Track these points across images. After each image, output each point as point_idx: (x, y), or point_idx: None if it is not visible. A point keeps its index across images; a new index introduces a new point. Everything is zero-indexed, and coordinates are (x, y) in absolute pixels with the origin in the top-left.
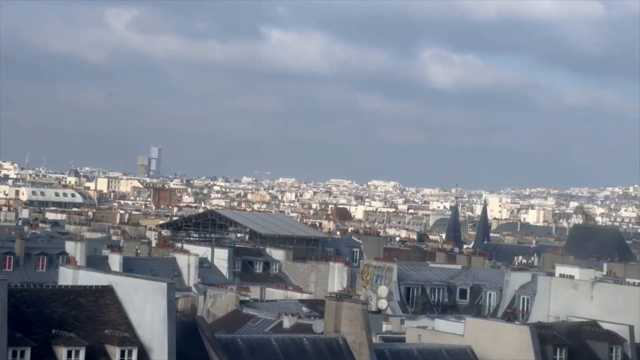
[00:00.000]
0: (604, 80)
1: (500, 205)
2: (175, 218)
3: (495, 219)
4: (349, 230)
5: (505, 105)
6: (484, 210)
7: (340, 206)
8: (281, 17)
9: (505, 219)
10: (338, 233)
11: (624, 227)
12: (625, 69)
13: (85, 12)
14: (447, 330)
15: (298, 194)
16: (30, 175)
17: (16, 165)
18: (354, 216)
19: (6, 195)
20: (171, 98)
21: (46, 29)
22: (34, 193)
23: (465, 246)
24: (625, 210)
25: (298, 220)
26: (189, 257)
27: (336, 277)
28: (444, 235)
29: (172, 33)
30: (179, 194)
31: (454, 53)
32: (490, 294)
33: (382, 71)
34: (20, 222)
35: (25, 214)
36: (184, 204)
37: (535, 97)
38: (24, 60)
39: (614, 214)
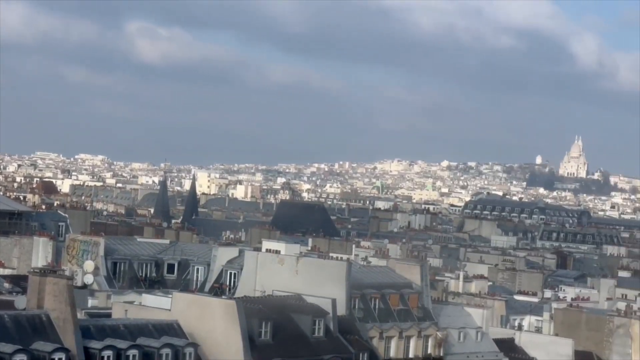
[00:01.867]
0: (306, 58)
1: (209, 181)
2: None
3: (204, 194)
4: (55, 204)
5: (213, 81)
6: (193, 186)
7: (46, 179)
8: None
9: (214, 194)
10: (43, 207)
11: (329, 202)
12: (327, 49)
13: None
14: (154, 305)
15: (1, 167)
16: None
17: None
18: (60, 190)
19: None
20: None
21: None
22: None
23: (173, 221)
24: (331, 187)
25: (1, 193)
26: None
27: (40, 251)
28: (152, 210)
29: None
30: None
31: (161, 27)
32: (197, 269)
33: (88, 43)
34: None
35: None
36: None
37: (242, 74)
38: None
39: (319, 190)
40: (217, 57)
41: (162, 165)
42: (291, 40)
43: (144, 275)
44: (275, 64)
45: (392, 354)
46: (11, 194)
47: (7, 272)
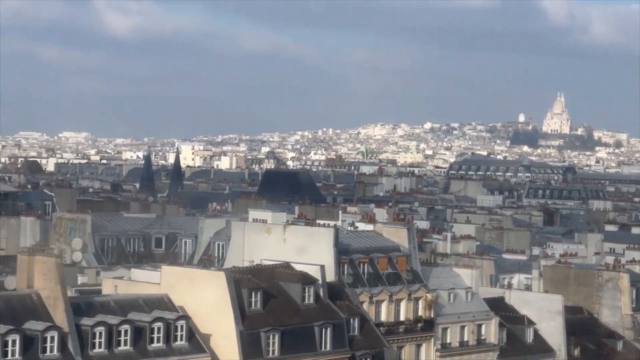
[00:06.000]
0: (276, 26)
1: (193, 153)
2: None
3: (188, 166)
4: (41, 184)
5: (186, 52)
6: (177, 159)
7: (31, 159)
8: None
9: (199, 167)
10: (29, 187)
11: (314, 170)
12: (296, 16)
13: None
14: (143, 279)
15: None
16: None
17: None
18: (45, 169)
19: None
20: None
21: None
22: None
23: (159, 195)
24: (315, 154)
25: None
26: None
27: (28, 231)
28: (138, 185)
29: None
30: None
31: (131, 0)
32: (185, 242)
33: (59, 20)
34: None
35: None
36: None
37: (215, 44)
38: None
39: (304, 158)
40: (188, 29)
41: (146, 139)
42: (261, 8)
43: (132, 250)
44: (247, 33)
45: (382, 317)
46: None
47: None
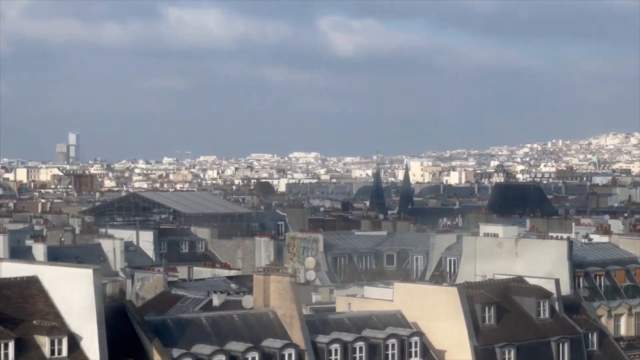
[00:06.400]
0: (503, 39)
1: (422, 169)
2: (97, 203)
3: (418, 182)
4: (273, 204)
5: (411, 69)
6: (406, 175)
7: (263, 180)
8: None
9: (428, 182)
10: (262, 207)
11: (545, 182)
12: (518, 27)
13: None
14: (376, 296)
15: (220, 171)
16: None
17: None
18: (277, 189)
19: None
20: (75, 83)
21: None
22: None
23: (389, 212)
24: (545, 166)
25: (221, 197)
26: (114, 241)
27: (263, 251)
28: (368, 203)
29: (66, 17)
30: (100, 179)
31: (354, 19)
32: (417, 258)
33: (284, 43)
34: None
35: None
36: (105, 189)
37: (438, 60)
38: None
39: (534, 170)
40: (412, 46)
41: (375, 157)
42: (482, 22)
43: (364, 267)
44: (470, 48)
45: (622, 332)
46: (231, 197)
47: (232, 273)
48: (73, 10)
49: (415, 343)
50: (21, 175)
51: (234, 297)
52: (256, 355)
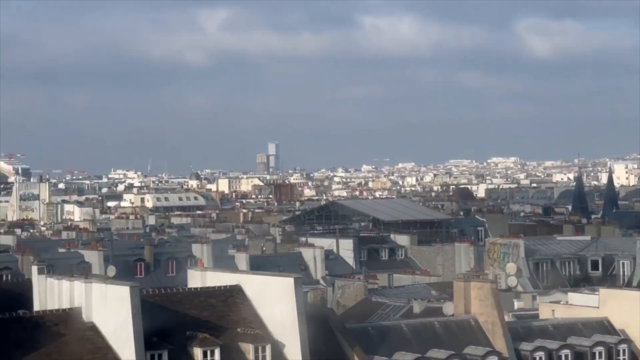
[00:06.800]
0: None
1: (626, 172)
2: (297, 212)
3: (622, 186)
4: (472, 210)
5: (611, 70)
6: (610, 178)
7: (462, 186)
8: (371, 2)
9: (634, 186)
10: (461, 213)
11: None
12: None
13: (178, 17)
14: (580, 303)
15: (418, 178)
16: (153, 182)
17: (139, 173)
18: (476, 195)
19: (132, 203)
20: (273, 93)
21: (142, 38)
22: (158, 199)
23: (593, 216)
24: None
25: (420, 204)
26: (315, 250)
27: (463, 257)
28: (570, 207)
29: (263, 29)
30: (299, 188)
31: (552, 21)
32: (623, 263)
33: (480, 47)
34: (147, 229)
35: (151, 220)
36: (305, 198)
37: None
38: (126, 71)
39: None
40: (613, 46)
41: (576, 160)
42: None
43: (567, 273)
44: None
45: None
46: (430, 203)
47: (432, 279)
48: (270, 21)
49: (624, 351)
50: (223, 185)
51: (435, 304)
52: None
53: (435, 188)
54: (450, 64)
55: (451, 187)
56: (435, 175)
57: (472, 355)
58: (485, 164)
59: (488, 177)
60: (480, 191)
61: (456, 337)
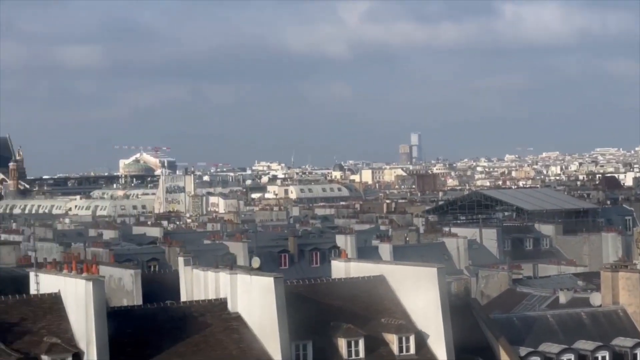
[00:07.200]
0: None
1: None
2: (440, 202)
3: None
4: (620, 199)
5: None
6: None
7: (608, 175)
8: None
9: None
10: (608, 202)
11: None
12: None
13: (318, 9)
14: None
15: (563, 167)
16: (297, 173)
17: (283, 165)
18: (623, 184)
19: (276, 195)
20: (414, 84)
21: (284, 30)
22: (302, 191)
23: None
24: None
25: (565, 193)
26: (458, 240)
27: (610, 247)
28: None
29: (404, 20)
30: (442, 178)
31: None
32: None
33: (627, 33)
34: (291, 220)
35: (295, 211)
36: (448, 188)
37: None
38: (267, 64)
39: None
40: None
41: None
42: None
43: None
44: None
45: None
46: (575, 192)
47: (579, 269)
48: (410, 11)
49: None
50: (366, 176)
51: (581, 295)
52: (606, 354)
53: (580, 177)
54: (594, 51)
55: (597, 175)
56: (580, 164)
57: (620, 347)
58: (632, 152)
59: (636, 166)
60: (627, 180)
61: (604, 328)
